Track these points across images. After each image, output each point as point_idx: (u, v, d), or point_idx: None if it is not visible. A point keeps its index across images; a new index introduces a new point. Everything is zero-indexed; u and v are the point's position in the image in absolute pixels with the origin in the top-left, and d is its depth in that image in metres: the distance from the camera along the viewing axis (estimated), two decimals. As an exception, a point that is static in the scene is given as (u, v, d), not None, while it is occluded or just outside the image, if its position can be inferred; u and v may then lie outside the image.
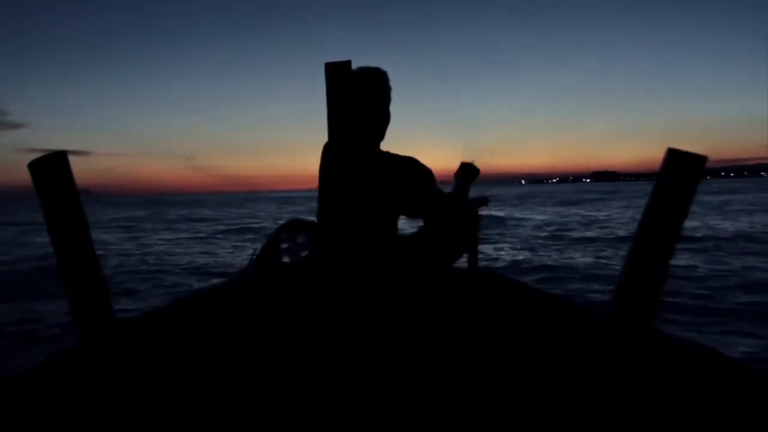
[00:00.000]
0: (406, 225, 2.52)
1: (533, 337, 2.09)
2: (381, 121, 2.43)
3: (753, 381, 1.64)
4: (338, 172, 2.30)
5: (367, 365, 1.88)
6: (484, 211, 2.62)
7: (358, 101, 2.37)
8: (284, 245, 2.46)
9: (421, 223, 2.51)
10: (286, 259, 2.42)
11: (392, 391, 1.67)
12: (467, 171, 2.47)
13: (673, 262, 1.76)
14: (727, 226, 17.86)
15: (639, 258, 1.71)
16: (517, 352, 1.96)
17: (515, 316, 2.39)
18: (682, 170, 1.66)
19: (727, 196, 42.74)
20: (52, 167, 1.88)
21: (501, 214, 27.03)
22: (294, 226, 2.55)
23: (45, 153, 2.00)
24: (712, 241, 13.41)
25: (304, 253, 2.43)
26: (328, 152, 2.39)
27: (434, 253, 2.37)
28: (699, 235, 14.85)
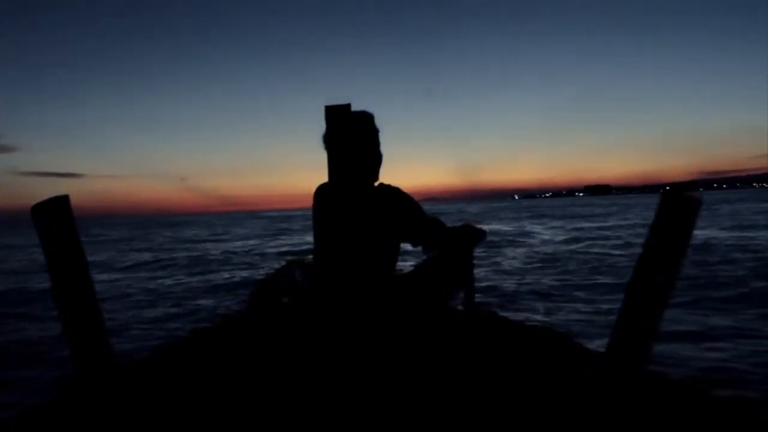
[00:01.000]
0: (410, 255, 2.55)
1: (521, 378, 2.09)
2: (375, 161, 2.48)
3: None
4: (337, 209, 2.33)
5: (360, 399, 1.90)
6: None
7: (354, 144, 2.42)
8: (282, 285, 2.46)
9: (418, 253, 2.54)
10: (284, 300, 2.42)
11: (386, 423, 1.68)
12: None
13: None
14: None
15: (635, 301, 1.72)
16: (504, 391, 1.97)
17: (503, 356, 2.40)
18: (677, 213, 1.67)
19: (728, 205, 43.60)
20: (54, 211, 1.91)
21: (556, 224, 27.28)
22: (293, 266, 2.57)
23: (43, 192, 2.03)
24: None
25: (301, 292, 2.44)
26: (322, 193, 2.44)
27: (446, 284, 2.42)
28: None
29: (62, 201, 1.94)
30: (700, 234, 18.25)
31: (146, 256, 20.96)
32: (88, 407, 1.91)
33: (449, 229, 2.54)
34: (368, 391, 2.00)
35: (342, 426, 1.75)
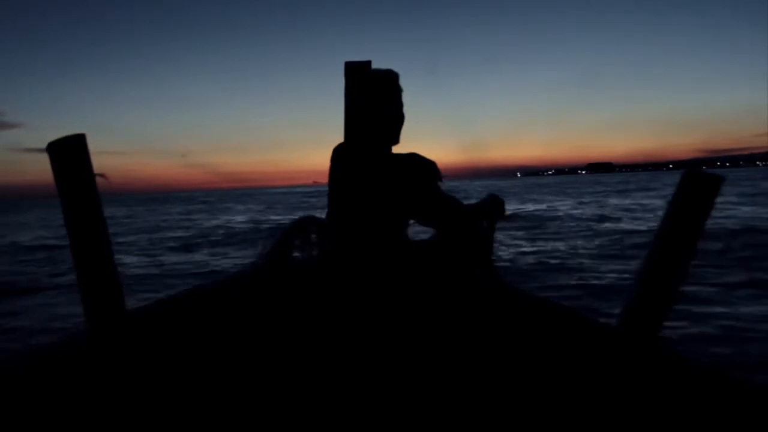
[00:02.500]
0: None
1: (534, 349, 2.08)
2: (396, 122, 2.43)
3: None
4: (350, 174, 2.30)
5: (367, 366, 1.88)
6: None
7: (374, 103, 2.35)
8: (296, 242, 2.45)
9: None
10: (296, 255, 2.42)
11: (393, 393, 1.67)
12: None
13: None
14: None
15: (651, 277, 1.69)
16: (518, 362, 1.95)
17: (518, 328, 2.38)
18: (698, 192, 1.63)
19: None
20: (70, 149, 1.88)
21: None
22: (306, 222, 2.54)
23: (47, 168, 1.99)
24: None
25: (315, 251, 2.43)
26: (339, 154, 2.39)
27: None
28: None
29: (78, 139, 1.89)
30: (741, 214, 17.92)
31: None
32: (95, 356, 1.88)
33: (469, 210, 2.50)
34: (371, 353, 2.00)
35: (344, 392, 1.70)
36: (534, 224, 18.26)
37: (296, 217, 2.58)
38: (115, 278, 1.98)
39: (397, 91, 2.43)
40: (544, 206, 29.34)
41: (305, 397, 1.55)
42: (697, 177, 1.62)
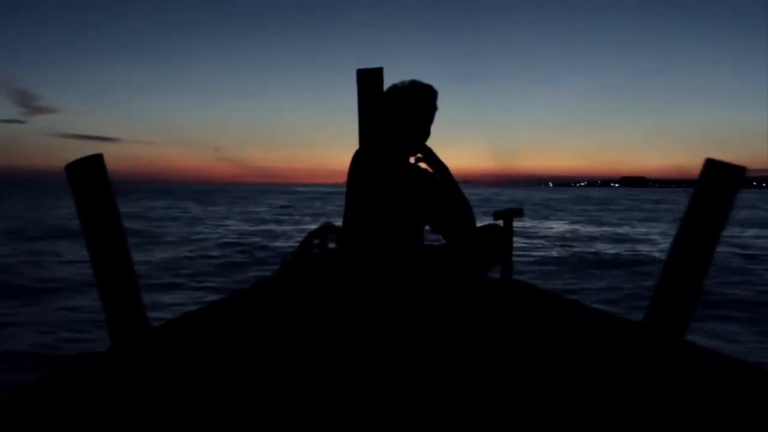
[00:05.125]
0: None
1: (560, 350, 2.06)
2: (421, 138, 2.37)
3: None
4: (367, 180, 2.29)
5: (380, 371, 1.85)
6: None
7: (405, 114, 2.30)
8: (316, 250, 2.46)
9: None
10: (317, 264, 2.43)
11: (403, 397, 1.64)
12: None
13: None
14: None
15: (675, 268, 1.67)
16: (542, 365, 1.94)
17: (546, 329, 2.35)
18: (720, 181, 1.61)
19: None
20: (88, 170, 1.88)
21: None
22: (326, 230, 2.55)
23: (82, 155, 2.00)
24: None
25: (333, 258, 2.44)
26: (357, 161, 2.35)
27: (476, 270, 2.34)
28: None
29: (96, 160, 1.88)
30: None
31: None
32: (120, 370, 1.88)
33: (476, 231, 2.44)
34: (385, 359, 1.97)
35: (353, 396, 1.67)
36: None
37: (318, 226, 2.59)
38: (137, 294, 1.99)
39: (429, 107, 2.35)
40: (633, 231, 21.70)
41: (314, 411, 1.54)
42: (718, 166, 1.59)
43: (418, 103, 2.32)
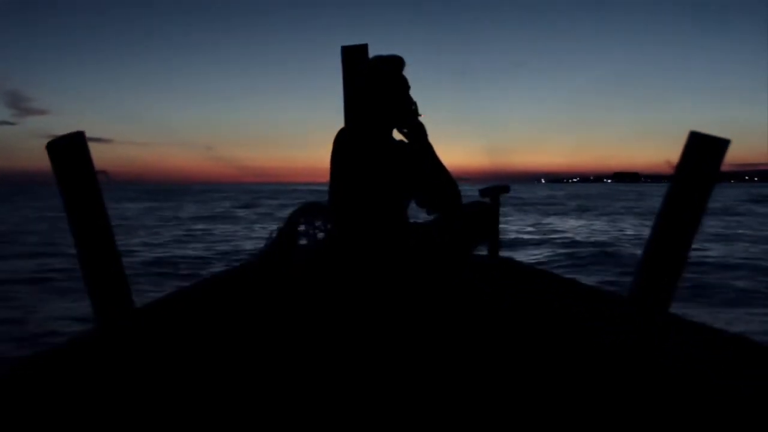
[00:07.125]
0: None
1: (552, 333, 2.05)
2: (399, 110, 2.34)
3: None
4: (351, 158, 2.28)
5: (376, 358, 1.80)
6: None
7: (379, 89, 2.30)
8: (301, 228, 2.44)
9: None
10: (302, 242, 2.41)
11: (400, 387, 1.60)
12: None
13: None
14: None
15: (661, 239, 1.68)
16: (535, 348, 1.92)
17: (536, 310, 2.34)
18: (704, 152, 1.62)
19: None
20: (69, 148, 1.85)
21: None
22: (311, 209, 2.53)
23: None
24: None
25: (320, 236, 2.42)
26: (341, 139, 2.33)
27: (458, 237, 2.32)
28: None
29: (78, 137, 1.85)
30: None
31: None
32: (105, 349, 1.84)
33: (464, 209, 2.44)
34: (381, 344, 1.95)
35: (349, 387, 1.60)
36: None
37: (300, 205, 2.56)
38: (121, 274, 1.96)
39: (398, 75, 2.32)
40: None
41: (305, 397, 1.52)
42: (702, 138, 1.60)
43: (392, 74, 2.30)
